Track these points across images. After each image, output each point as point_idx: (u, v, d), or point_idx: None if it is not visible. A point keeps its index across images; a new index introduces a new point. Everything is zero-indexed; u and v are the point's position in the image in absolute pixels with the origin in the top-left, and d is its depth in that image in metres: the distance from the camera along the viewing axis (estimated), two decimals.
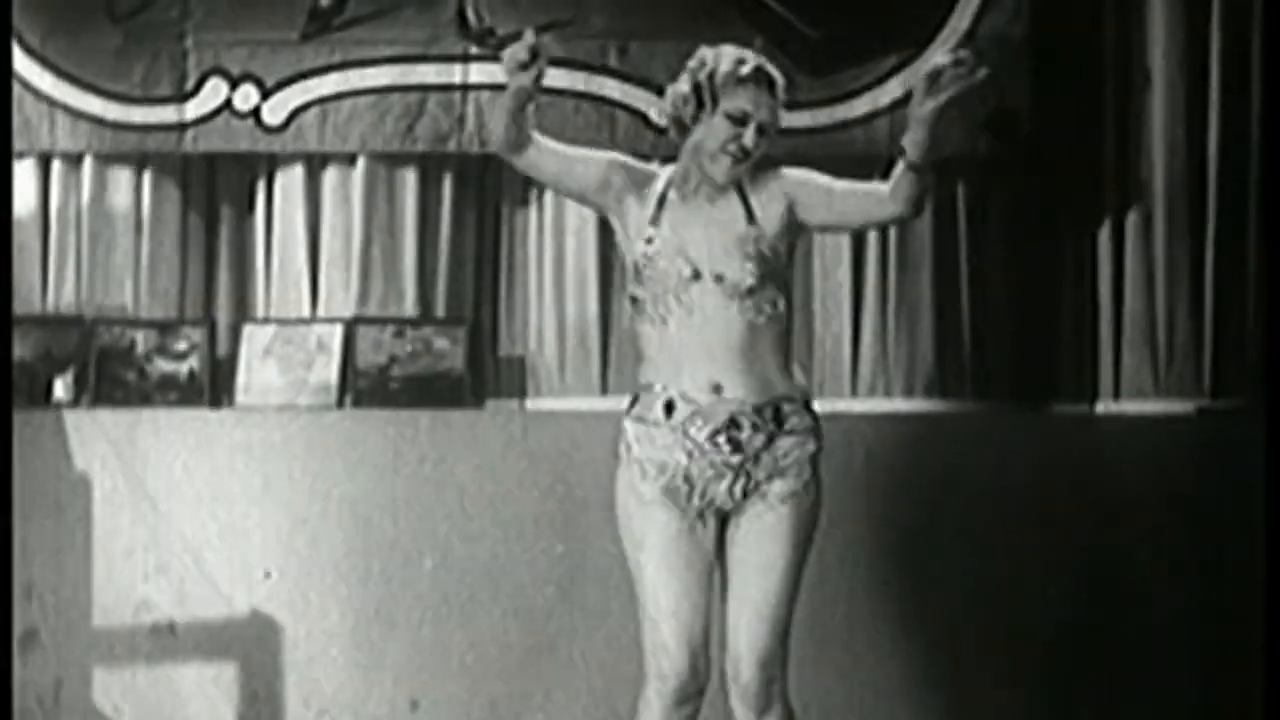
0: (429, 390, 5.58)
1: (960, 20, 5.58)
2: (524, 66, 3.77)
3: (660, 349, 3.86)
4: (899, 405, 5.62)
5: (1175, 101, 5.63)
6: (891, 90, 5.57)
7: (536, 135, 3.94)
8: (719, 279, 3.81)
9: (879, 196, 3.86)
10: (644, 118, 5.57)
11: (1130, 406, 5.61)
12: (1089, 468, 5.37)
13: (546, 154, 3.95)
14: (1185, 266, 5.62)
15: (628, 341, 5.66)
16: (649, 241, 3.87)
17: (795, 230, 3.93)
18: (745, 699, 3.80)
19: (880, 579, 5.32)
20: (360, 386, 5.60)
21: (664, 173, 3.97)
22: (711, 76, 3.85)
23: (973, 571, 5.31)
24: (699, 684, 3.80)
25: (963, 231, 5.69)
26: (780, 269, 3.87)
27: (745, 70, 3.84)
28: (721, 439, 3.79)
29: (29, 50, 5.63)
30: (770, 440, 3.81)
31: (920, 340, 5.66)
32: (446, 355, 5.61)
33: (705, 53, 3.91)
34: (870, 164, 5.56)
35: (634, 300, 3.91)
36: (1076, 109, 5.64)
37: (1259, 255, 5.53)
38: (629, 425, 3.91)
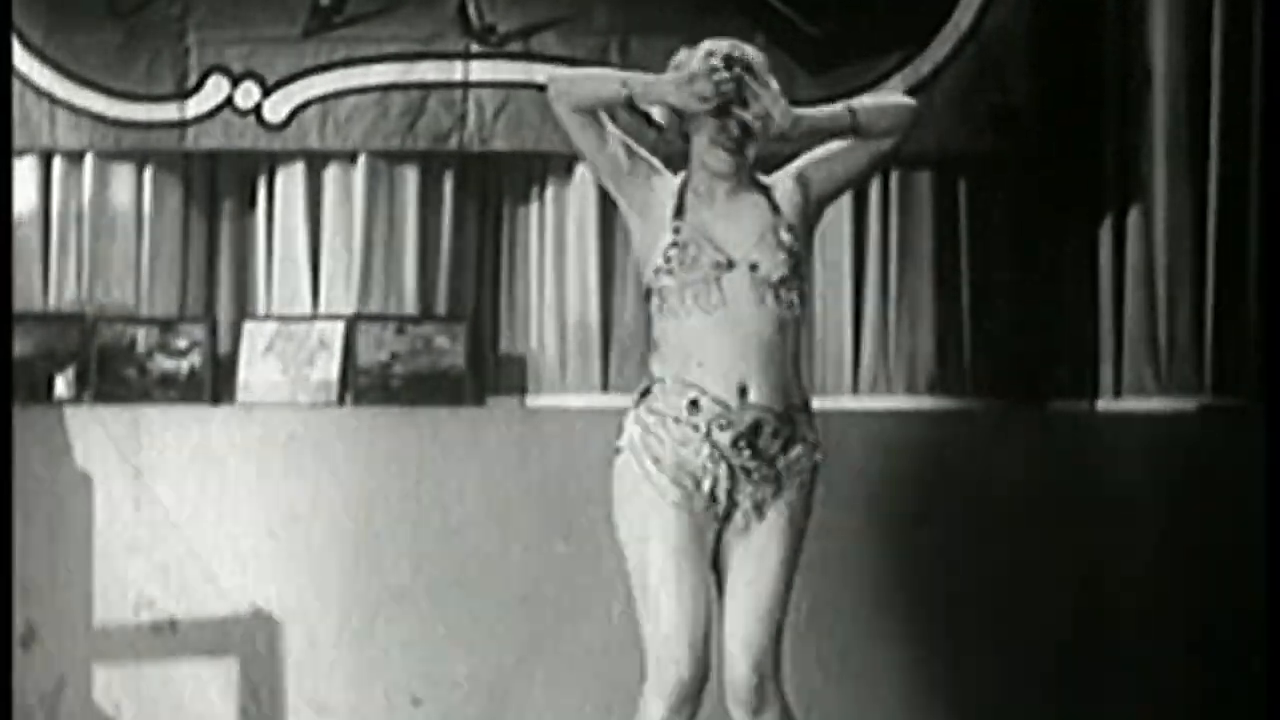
0: (430, 387, 5.58)
1: (962, 17, 5.58)
2: (704, 99, 3.74)
3: (681, 343, 3.81)
4: (900, 402, 5.62)
5: (1176, 98, 5.63)
6: (893, 87, 5.57)
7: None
8: (754, 268, 3.78)
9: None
10: (646, 115, 5.56)
11: (1131, 404, 5.61)
12: (1090, 465, 5.37)
13: (597, 123, 3.87)
14: (1186, 263, 5.62)
15: (628, 339, 5.67)
16: (677, 231, 3.82)
17: (812, 212, 3.93)
18: (740, 699, 3.79)
19: (879, 576, 5.32)
20: (361, 384, 5.60)
21: (677, 179, 3.93)
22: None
23: (972, 569, 5.31)
24: (700, 683, 3.78)
25: (963, 228, 5.69)
26: (803, 262, 3.86)
27: (715, 61, 3.79)
28: (743, 444, 3.78)
29: (30, 47, 5.63)
30: (786, 447, 3.80)
31: (921, 337, 5.66)
32: (447, 352, 5.61)
33: (681, 54, 3.89)
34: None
35: (659, 293, 3.83)
36: (1077, 106, 5.64)
37: (1259, 252, 5.53)
38: (640, 418, 3.84)
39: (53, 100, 5.65)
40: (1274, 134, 5.48)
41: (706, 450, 3.78)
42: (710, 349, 3.78)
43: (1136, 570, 5.33)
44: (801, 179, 3.92)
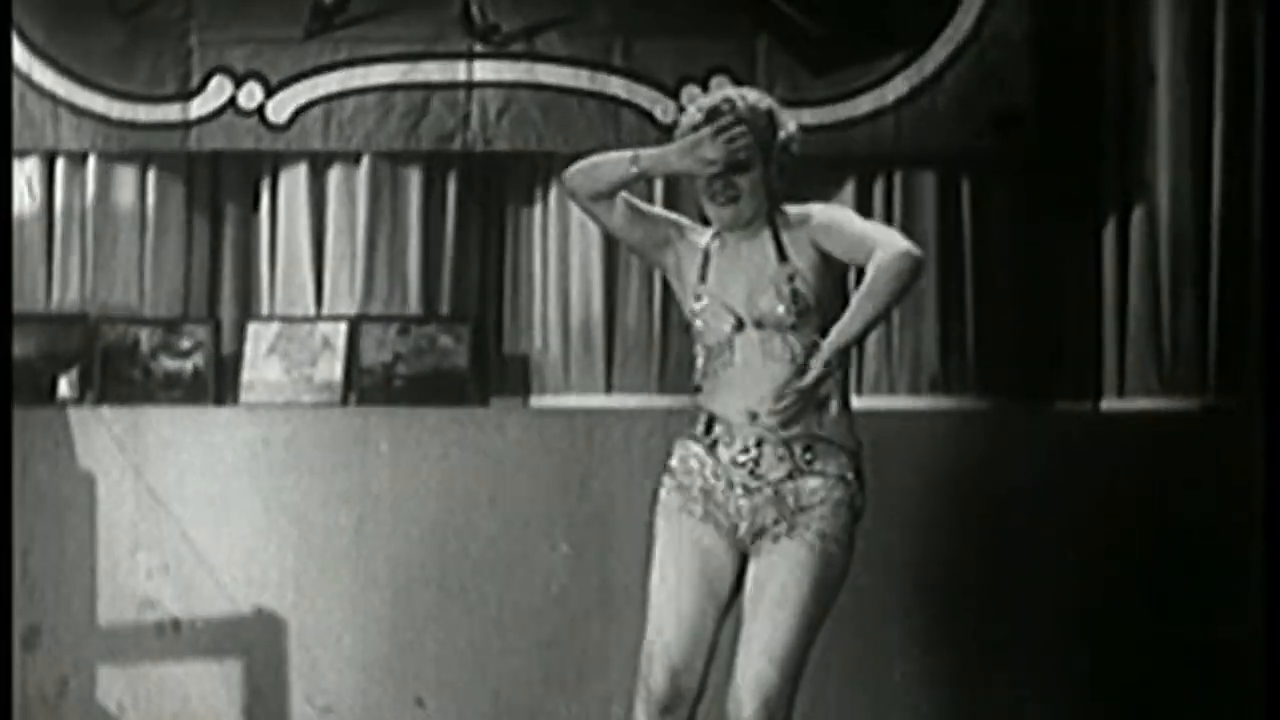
0: (433, 388, 5.58)
1: (964, 18, 5.58)
2: (712, 163, 3.75)
3: (711, 387, 3.86)
4: (903, 402, 5.62)
5: (1179, 99, 5.63)
6: (896, 88, 5.57)
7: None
8: (759, 324, 3.80)
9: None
10: (649, 115, 5.57)
11: (1134, 404, 5.61)
12: (1093, 465, 5.37)
13: (620, 203, 3.93)
14: (1189, 264, 5.62)
15: (631, 339, 5.68)
16: (698, 299, 3.87)
17: (834, 266, 3.86)
18: None
19: (882, 575, 5.31)
20: (364, 384, 5.61)
21: (706, 234, 3.94)
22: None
23: (976, 568, 5.31)
24: (676, 697, 3.76)
25: (967, 229, 5.69)
26: (819, 307, 3.80)
27: (699, 119, 3.82)
28: (743, 459, 3.79)
29: (33, 48, 5.64)
30: (792, 475, 3.78)
31: (924, 337, 5.66)
32: (451, 353, 5.62)
33: (690, 112, 3.88)
34: (874, 162, 5.63)
35: (695, 349, 3.92)
36: (1080, 107, 5.64)
37: (1263, 253, 5.53)
38: (675, 444, 3.91)
39: (56, 101, 5.65)
40: (1277, 134, 5.47)
41: (712, 465, 3.81)
42: (730, 387, 3.82)
43: (1139, 570, 5.33)
44: (817, 244, 3.84)
